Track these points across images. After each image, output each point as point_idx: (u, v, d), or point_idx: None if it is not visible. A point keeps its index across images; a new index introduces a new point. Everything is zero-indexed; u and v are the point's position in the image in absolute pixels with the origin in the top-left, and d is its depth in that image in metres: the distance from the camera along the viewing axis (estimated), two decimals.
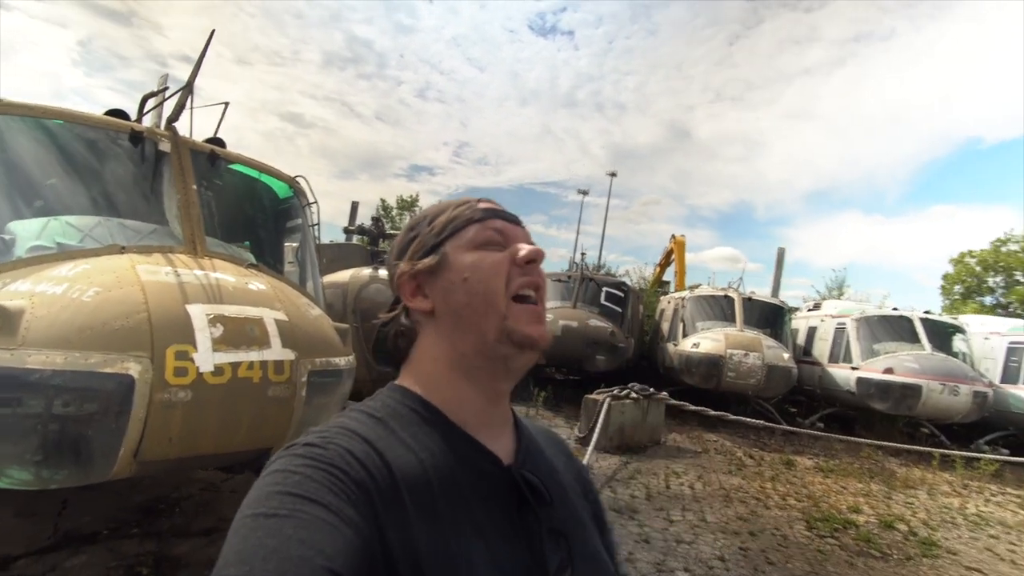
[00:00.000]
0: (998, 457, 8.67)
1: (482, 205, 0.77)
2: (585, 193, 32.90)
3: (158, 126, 3.49)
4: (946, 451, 8.72)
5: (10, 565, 2.94)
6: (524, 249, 0.72)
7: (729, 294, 11.55)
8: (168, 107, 3.37)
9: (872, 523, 5.59)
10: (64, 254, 2.63)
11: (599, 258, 28.21)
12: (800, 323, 13.06)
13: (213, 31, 3.15)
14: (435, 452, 0.65)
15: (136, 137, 3.11)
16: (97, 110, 3.26)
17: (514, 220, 0.78)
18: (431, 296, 0.73)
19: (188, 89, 3.17)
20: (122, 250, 2.73)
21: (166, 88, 3.59)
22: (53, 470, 2.26)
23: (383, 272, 6.82)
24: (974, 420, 9.64)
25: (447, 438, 0.67)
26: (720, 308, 11.43)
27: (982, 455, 8.58)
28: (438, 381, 0.72)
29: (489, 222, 0.75)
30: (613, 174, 31.34)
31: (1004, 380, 10.30)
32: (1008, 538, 5.68)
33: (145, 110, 3.64)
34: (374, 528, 0.54)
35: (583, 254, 16.75)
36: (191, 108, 3.30)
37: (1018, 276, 24.22)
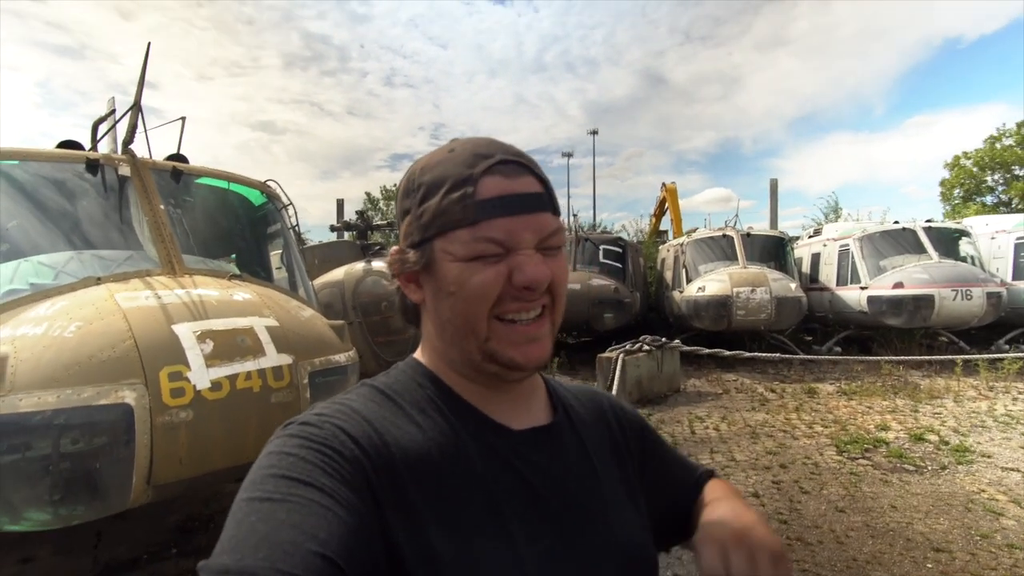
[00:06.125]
0: (1021, 355, 8.62)
1: (482, 190, 0.60)
2: (570, 155, 32.67)
3: (115, 151, 3.40)
4: (967, 356, 8.65)
5: None
6: (525, 274, 0.59)
7: (727, 233, 11.44)
8: (121, 130, 3.27)
9: (902, 438, 5.58)
10: (39, 293, 2.58)
11: (593, 218, 28.05)
12: (803, 251, 12.95)
13: (149, 44, 3.05)
14: (444, 430, 0.63)
15: (93, 165, 3.04)
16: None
17: (526, 207, 0.61)
18: (424, 289, 0.67)
19: (136, 107, 3.08)
20: (98, 281, 2.69)
21: (113, 111, 3.49)
22: (71, 507, 2.27)
23: (377, 264, 6.76)
24: (991, 321, 9.57)
25: (458, 414, 0.65)
26: (720, 248, 11.34)
27: (1004, 355, 8.53)
28: (439, 366, 0.69)
29: (484, 227, 0.59)
30: (595, 132, 31.02)
31: (1016, 277, 10.18)
32: None
33: (99, 136, 3.55)
34: (372, 508, 0.53)
35: (575, 215, 16.66)
36: (144, 128, 3.22)
37: (1016, 171, 23.79)
